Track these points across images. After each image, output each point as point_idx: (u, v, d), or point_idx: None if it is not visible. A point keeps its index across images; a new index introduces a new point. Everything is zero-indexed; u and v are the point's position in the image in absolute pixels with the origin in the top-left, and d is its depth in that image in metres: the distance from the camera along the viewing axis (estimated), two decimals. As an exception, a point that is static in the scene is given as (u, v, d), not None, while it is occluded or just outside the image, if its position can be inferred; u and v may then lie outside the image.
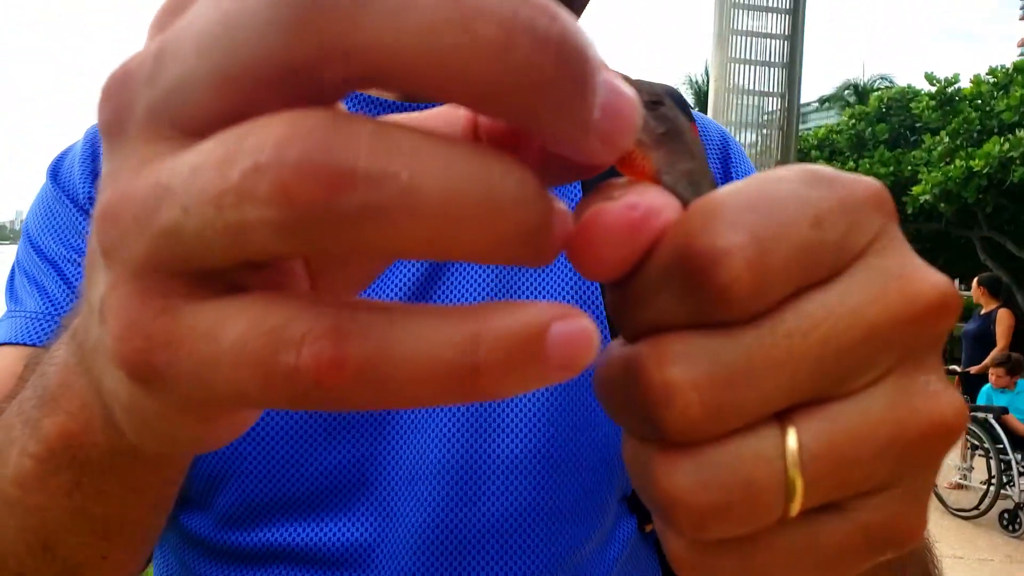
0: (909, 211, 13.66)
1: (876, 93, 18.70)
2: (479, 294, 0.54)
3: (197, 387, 0.16)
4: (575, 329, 0.15)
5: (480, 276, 0.54)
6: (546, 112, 0.15)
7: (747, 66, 7.14)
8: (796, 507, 0.18)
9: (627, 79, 0.20)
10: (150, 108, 0.16)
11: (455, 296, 0.53)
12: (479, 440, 0.51)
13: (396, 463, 0.51)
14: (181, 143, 0.15)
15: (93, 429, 0.26)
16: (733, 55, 7.13)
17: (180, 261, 0.15)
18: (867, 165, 14.92)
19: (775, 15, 7.00)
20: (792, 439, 0.18)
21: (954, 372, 6.45)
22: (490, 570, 0.51)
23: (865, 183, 0.19)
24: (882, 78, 34.67)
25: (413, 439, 0.52)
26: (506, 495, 0.52)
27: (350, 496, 0.51)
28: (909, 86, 17.82)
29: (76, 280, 0.53)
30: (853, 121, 17.46)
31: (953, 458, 5.62)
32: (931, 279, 0.19)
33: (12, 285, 0.56)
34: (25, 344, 0.50)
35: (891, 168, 14.64)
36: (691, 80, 41.88)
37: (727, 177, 0.63)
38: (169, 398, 0.17)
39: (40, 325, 0.51)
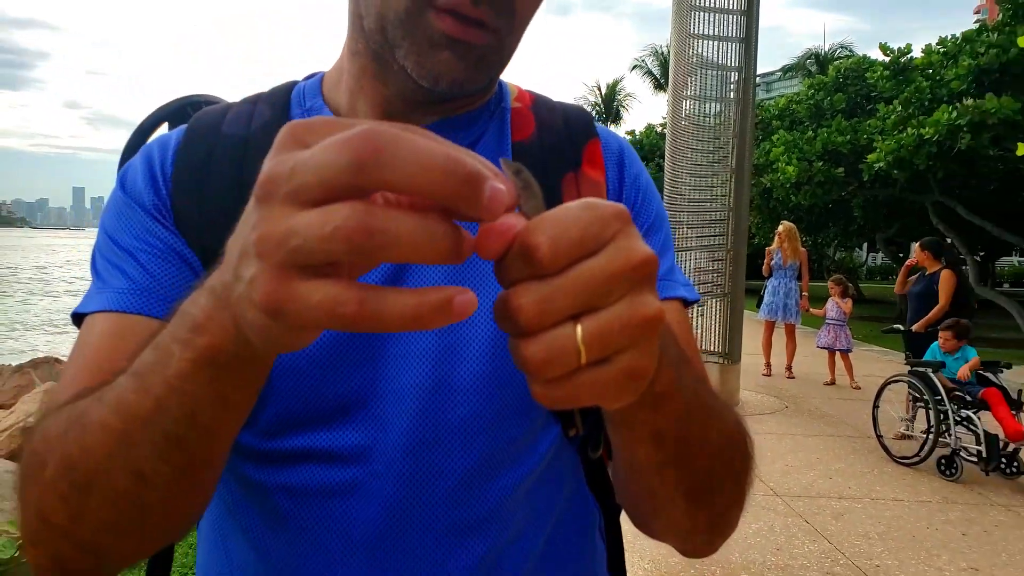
0: (865, 178, 13.89)
1: (834, 63, 18.88)
2: (436, 280, 0.70)
3: (297, 319, 0.34)
4: (466, 298, 0.34)
5: (434, 278, 0.71)
6: (464, 207, 0.34)
7: (706, 41, 7.34)
8: (584, 360, 0.36)
9: (505, 162, 0.41)
10: (286, 192, 0.33)
11: (417, 282, 0.70)
12: (445, 365, 0.68)
13: (385, 385, 0.68)
14: (300, 209, 0.33)
15: (227, 343, 0.42)
16: (692, 30, 7.31)
17: (297, 262, 0.33)
18: (825, 134, 15.11)
19: (732, -10, 7.19)
20: (579, 329, 0.36)
21: (898, 330, 6.79)
22: (449, 461, 0.69)
23: (613, 206, 0.38)
24: (842, 47, 34.98)
25: (396, 367, 0.68)
26: (465, 405, 0.69)
27: (354, 410, 0.68)
28: (865, 56, 17.94)
29: (148, 264, 0.67)
30: (812, 91, 17.60)
31: (898, 410, 5.99)
32: (642, 249, 0.37)
33: (96, 268, 0.70)
34: (117, 311, 0.65)
35: (848, 136, 14.87)
36: (656, 51, 41.93)
37: (621, 173, 0.80)
38: (284, 324, 0.35)
39: (126, 297, 0.65)
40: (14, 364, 6.65)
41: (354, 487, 0.68)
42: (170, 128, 0.82)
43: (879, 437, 5.84)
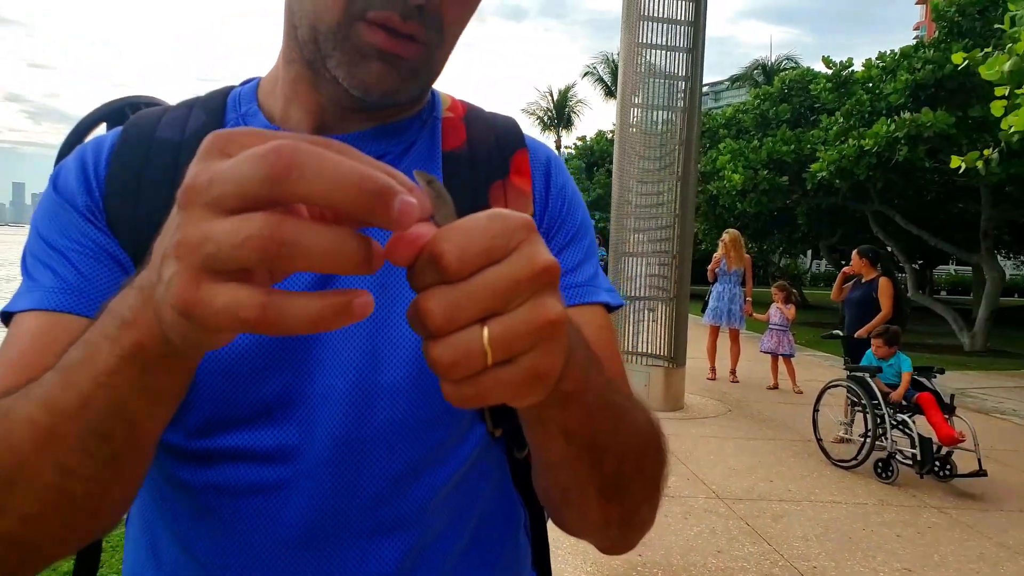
0: (809, 187, 14.25)
1: (780, 75, 19.30)
2: (363, 288, 0.73)
3: (205, 322, 0.35)
4: (363, 300, 0.36)
5: (361, 286, 0.73)
6: (375, 220, 0.35)
7: (654, 50, 7.42)
8: (490, 360, 0.39)
9: (418, 173, 0.42)
10: (205, 201, 0.35)
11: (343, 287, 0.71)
12: (370, 371, 0.70)
13: (312, 389, 0.69)
14: (216, 217, 0.35)
15: (153, 340, 0.43)
16: (641, 39, 7.40)
17: (211, 266, 0.35)
18: (770, 143, 15.46)
19: (681, 1, 7.28)
20: (485, 332, 0.38)
21: (837, 335, 6.95)
22: (378, 463, 0.70)
23: (519, 217, 0.40)
24: (788, 58, 35.82)
25: (324, 371, 0.69)
26: (390, 409, 0.70)
27: (281, 413, 0.69)
28: (809, 68, 18.40)
29: (79, 264, 0.68)
30: (758, 101, 17.98)
31: (837, 414, 6.13)
32: (545, 257, 0.40)
33: (26, 267, 0.70)
34: (45, 310, 0.65)
35: (792, 146, 15.24)
36: (607, 59, 42.39)
37: (548, 183, 0.82)
38: (195, 324, 0.36)
39: (55, 296, 0.66)
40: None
41: (281, 486, 0.69)
42: (108, 128, 0.83)
43: (819, 440, 5.95)
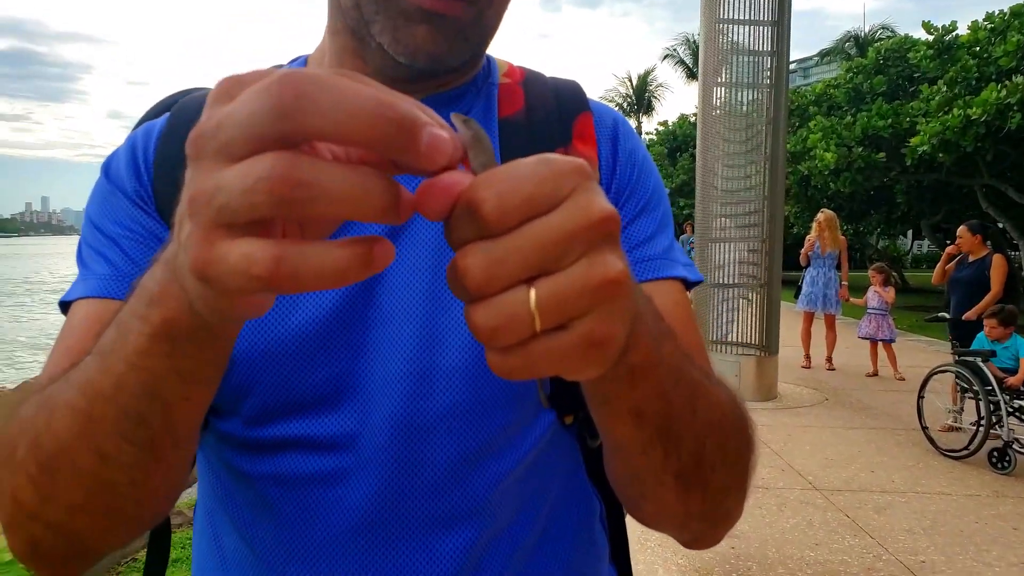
0: (909, 163, 13.53)
1: (875, 45, 18.41)
2: (416, 278, 0.68)
3: (221, 280, 0.32)
4: (383, 247, 0.33)
5: (417, 264, 0.69)
6: (399, 154, 0.31)
7: (737, 26, 7.17)
8: (538, 327, 0.34)
9: (454, 116, 0.38)
10: (214, 149, 0.32)
11: (397, 278, 0.68)
12: (430, 352, 0.67)
13: (370, 373, 0.66)
14: (227, 165, 0.31)
15: (182, 314, 0.41)
16: (722, 15, 7.15)
17: (224, 220, 0.31)
18: (865, 119, 14.73)
19: (762, -27, 7.01)
20: (532, 293, 0.33)
21: (943, 319, 6.56)
22: (439, 449, 0.67)
23: (571, 161, 0.35)
24: (883, 28, 34.15)
25: (381, 355, 0.67)
26: (449, 393, 0.67)
27: (338, 398, 0.66)
28: (907, 36, 17.52)
29: (130, 250, 0.67)
30: (851, 75, 17.19)
31: (945, 401, 5.79)
32: (602, 205, 0.34)
33: (81, 257, 0.70)
34: (98, 297, 0.65)
35: (889, 120, 14.49)
36: (688, 40, 41.46)
37: (615, 148, 0.76)
38: (215, 288, 0.33)
39: (107, 283, 0.66)
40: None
41: (340, 475, 0.67)
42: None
43: (924, 429, 5.65)
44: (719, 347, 7.16)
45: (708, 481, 0.58)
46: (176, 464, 0.54)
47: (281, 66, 0.78)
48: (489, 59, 0.80)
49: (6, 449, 0.53)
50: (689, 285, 0.76)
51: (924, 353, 9.83)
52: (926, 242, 26.50)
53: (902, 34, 19.71)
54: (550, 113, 0.76)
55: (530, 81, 0.79)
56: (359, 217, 0.31)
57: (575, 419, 0.75)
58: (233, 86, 0.33)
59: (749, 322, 7.14)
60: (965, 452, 5.28)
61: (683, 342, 0.54)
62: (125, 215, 0.69)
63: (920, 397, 5.74)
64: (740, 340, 7.13)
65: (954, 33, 13.84)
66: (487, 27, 0.68)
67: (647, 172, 0.78)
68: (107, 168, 0.73)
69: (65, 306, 0.68)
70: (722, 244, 7.22)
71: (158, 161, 0.70)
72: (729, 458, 0.59)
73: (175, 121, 0.73)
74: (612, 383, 0.47)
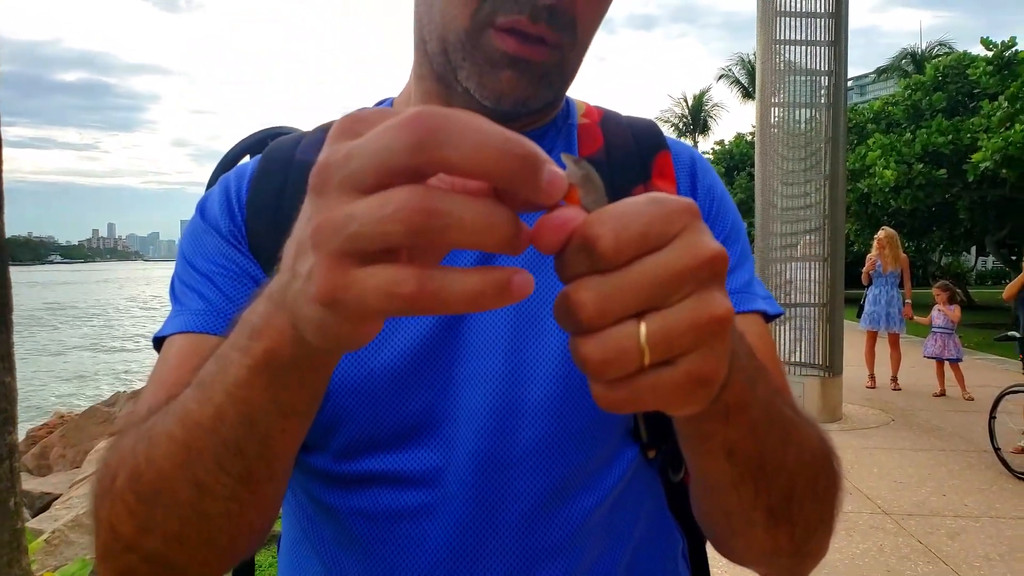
0: (971, 178, 13.19)
1: (932, 62, 18.04)
2: (501, 312, 0.70)
3: (355, 307, 0.33)
4: (523, 278, 0.33)
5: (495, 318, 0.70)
6: (522, 187, 0.33)
7: (793, 46, 7.15)
8: (647, 361, 0.35)
9: (565, 155, 0.39)
10: (341, 179, 0.33)
11: (483, 312, 0.71)
12: (515, 386, 0.68)
13: (455, 407, 0.67)
14: (356, 196, 0.32)
15: (284, 346, 0.42)
16: (778, 36, 7.15)
17: (355, 249, 0.32)
18: (924, 135, 14.47)
19: (819, -7, 6.99)
20: (643, 328, 0.34)
21: (1013, 337, 6.39)
22: (521, 484, 0.67)
23: (681, 201, 0.36)
24: (940, 44, 33.41)
25: (467, 388, 0.67)
26: (534, 428, 0.68)
27: (424, 433, 0.67)
28: (965, 52, 17.10)
29: (224, 286, 0.69)
30: (909, 92, 16.88)
31: (1018, 422, 5.61)
32: (711, 245, 0.36)
33: (174, 292, 0.72)
34: (193, 331, 0.67)
35: (949, 136, 14.21)
36: (743, 60, 41.16)
37: (694, 184, 0.79)
38: (341, 314, 0.34)
39: (202, 318, 0.67)
40: (128, 391, 7.03)
41: (425, 510, 0.67)
42: (251, 159, 0.84)
43: (997, 451, 5.50)
44: (783, 367, 7.07)
45: (797, 518, 0.58)
46: (270, 498, 0.54)
47: (366, 108, 0.81)
48: (568, 100, 0.82)
49: (106, 479, 0.54)
50: (769, 318, 0.76)
51: (993, 372, 9.54)
52: (991, 258, 25.68)
53: (960, 50, 19.25)
54: (629, 152, 0.78)
55: (608, 121, 0.81)
56: (484, 247, 0.32)
57: (658, 453, 0.75)
58: (356, 123, 0.35)
59: (812, 341, 7.06)
60: (1041, 475, 5.12)
61: (773, 379, 0.54)
62: (219, 253, 0.71)
63: (992, 417, 5.58)
64: (803, 360, 7.04)
65: (1013, 49, 13.48)
66: (568, 71, 0.70)
67: (726, 207, 0.80)
68: (202, 208, 0.75)
69: (158, 342, 0.70)
70: (783, 263, 7.17)
71: (251, 201, 0.73)
72: (818, 495, 0.60)
73: (267, 163, 0.75)
74: (707, 421, 0.48)
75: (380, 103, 0.83)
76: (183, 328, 0.67)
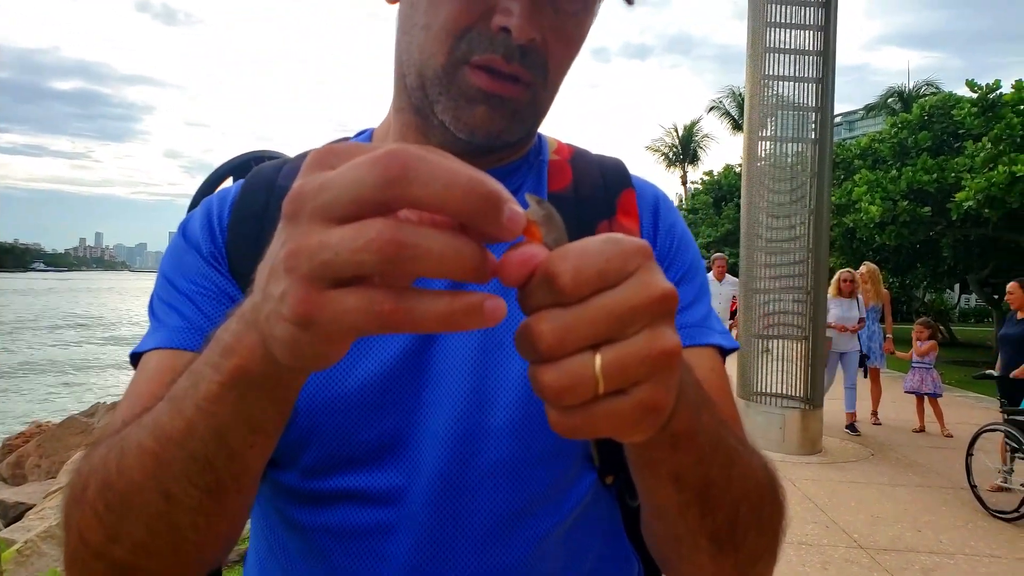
0: (954, 217, 13.37)
1: (919, 101, 18.33)
2: (468, 338, 0.72)
3: (330, 326, 0.35)
4: (495, 304, 0.36)
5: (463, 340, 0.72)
6: (484, 224, 0.35)
7: (782, 82, 7.26)
8: (601, 389, 0.37)
9: (529, 195, 0.43)
10: (314, 208, 0.35)
11: (451, 337, 0.72)
12: (478, 409, 0.70)
13: (421, 429, 0.69)
14: (329, 226, 0.34)
15: (254, 363, 0.44)
16: (767, 72, 7.26)
17: (328, 274, 0.34)
18: (910, 173, 14.65)
19: (808, 32, 7.12)
20: (598, 359, 0.37)
21: (990, 376, 6.43)
22: (482, 504, 0.69)
23: (636, 241, 0.39)
24: (927, 84, 33.96)
25: (433, 410, 0.70)
26: (497, 449, 0.70)
27: (391, 453, 0.69)
28: (951, 93, 17.38)
29: (203, 305, 0.71)
30: (895, 129, 17.11)
31: (994, 460, 5.66)
32: (662, 285, 0.39)
33: (153, 310, 0.74)
34: (171, 348, 0.68)
35: (934, 175, 14.40)
36: (734, 93, 41.65)
37: (656, 222, 0.82)
38: (315, 333, 0.36)
39: (180, 335, 0.69)
40: (109, 402, 6.98)
41: (388, 528, 0.69)
42: (234, 181, 0.86)
43: (973, 488, 5.53)
44: (762, 399, 7.11)
45: (741, 545, 0.60)
46: (237, 509, 0.55)
47: (348, 138, 0.83)
48: (540, 137, 0.85)
49: (78, 487, 0.55)
50: (724, 352, 0.78)
51: (973, 410, 9.61)
52: (974, 296, 25.92)
53: (946, 91, 19.56)
54: (596, 188, 0.81)
55: (577, 158, 0.85)
56: (451, 276, 0.35)
57: (615, 479, 0.77)
58: (330, 156, 0.37)
59: (793, 373, 7.10)
60: (1016, 514, 5.13)
61: (720, 410, 0.56)
62: (198, 273, 0.73)
63: (969, 454, 5.64)
64: (784, 392, 7.09)
65: (998, 91, 13.74)
66: (540, 109, 0.74)
67: (686, 245, 0.83)
68: (184, 228, 0.77)
69: (135, 358, 0.71)
70: (766, 294, 7.23)
71: (232, 224, 0.75)
72: (763, 524, 0.62)
73: (249, 187, 0.78)
74: (655, 448, 0.51)
75: (360, 134, 0.86)
76: (161, 344, 0.69)
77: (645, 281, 0.38)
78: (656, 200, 0.85)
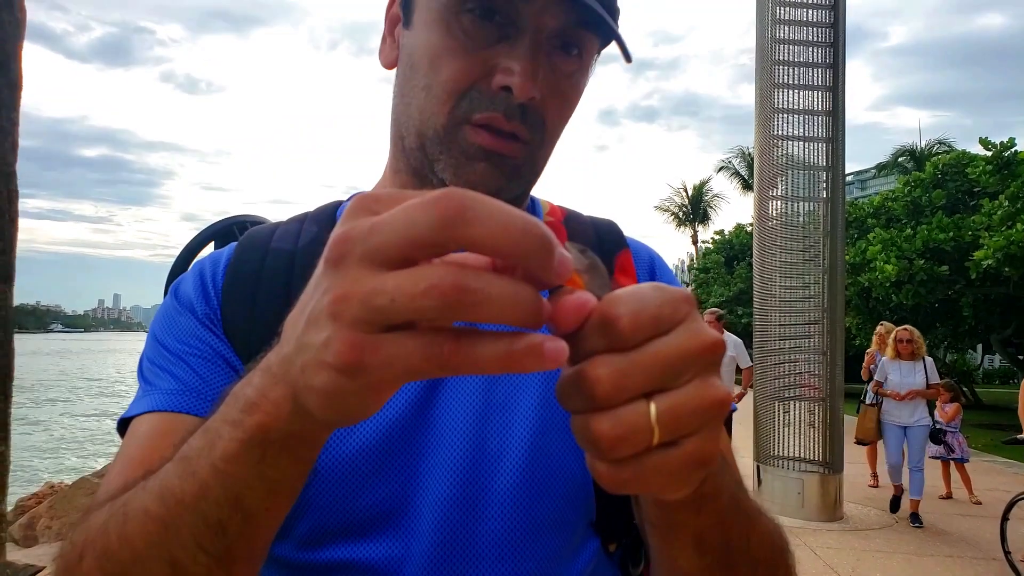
0: (973, 276, 13.26)
1: (932, 159, 18.38)
2: (467, 403, 0.71)
3: (383, 371, 0.34)
4: (556, 346, 0.34)
5: (468, 390, 0.72)
6: (538, 268, 0.34)
7: (791, 142, 7.26)
8: (656, 440, 0.36)
9: (571, 244, 0.40)
10: (363, 252, 0.34)
11: (451, 402, 0.71)
12: (478, 476, 0.68)
13: (418, 496, 0.67)
14: (378, 269, 0.33)
15: (280, 419, 0.41)
16: (776, 132, 7.27)
17: (379, 321, 0.33)
18: (925, 232, 14.60)
19: (816, 92, 7.15)
20: (652, 408, 0.36)
21: (1021, 441, 6.19)
22: (486, 575, 0.67)
23: (681, 290, 0.39)
24: (940, 142, 34.17)
25: (431, 478, 0.68)
26: (498, 518, 0.68)
27: (388, 522, 0.67)
28: (964, 152, 17.47)
29: (197, 367, 0.69)
30: (908, 188, 17.15)
31: (1026, 530, 5.42)
32: (711, 333, 0.38)
33: (143, 373, 0.72)
34: (164, 411, 0.66)
35: (951, 233, 14.34)
36: (743, 152, 42.12)
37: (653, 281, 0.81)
38: (363, 380, 0.34)
39: (174, 398, 0.67)
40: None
41: None
42: (217, 246, 0.87)
43: (1007, 555, 5.28)
44: (779, 462, 6.90)
45: None
46: None
47: (342, 202, 0.83)
48: (533, 199, 0.86)
49: (72, 558, 0.52)
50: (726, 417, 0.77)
51: (1002, 476, 9.30)
52: (998, 356, 25.51)
53: (959, 149, 19.61)
54: (592, 249, 0.79)
55: (571, 220, 0.86)
56: (509, 322, 0.34)
57: (618, 546, 0.75)
58: (373, 203, 0.36)
59: (811, 436, 6.89)
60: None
61: (735, 471, 0.56)
62: (191, 335, 0.72)
63: (1005, 520, 5.39)
64: (802, 456, 6.87)
65: (1013, 149, 13.76)
66: (537, 167, 0.75)
67: None
68: (175, 290, 0.76)
69: (124, 423, 0.69)
70: (781, 355, 7.08)
71: (227, 287, 0.74)
72: None
73: (243, 249, 0.77)
74: (680, 510, 0.50)
75: (353, 196, 0.84)
76: (154, 407, 0.67)
77: (695, 329, 0.38)
78: (651, 260, 0.87)
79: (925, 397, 7.00)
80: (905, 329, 7.32)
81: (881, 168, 36.69)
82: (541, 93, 0.69)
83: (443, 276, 0.32)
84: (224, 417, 0.45)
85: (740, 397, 7.87)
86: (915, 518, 6.74)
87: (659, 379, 0.36)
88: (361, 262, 0.34)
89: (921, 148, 33.45)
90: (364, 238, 0.34)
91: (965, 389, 10.06)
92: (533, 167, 0.74)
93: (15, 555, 6.01)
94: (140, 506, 0.48)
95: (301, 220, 0.81)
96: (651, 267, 0.86)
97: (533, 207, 0.85)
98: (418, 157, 0.72)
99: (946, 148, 30.36)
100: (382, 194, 0.37)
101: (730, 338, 7.44)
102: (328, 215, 0.81)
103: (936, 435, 7.18)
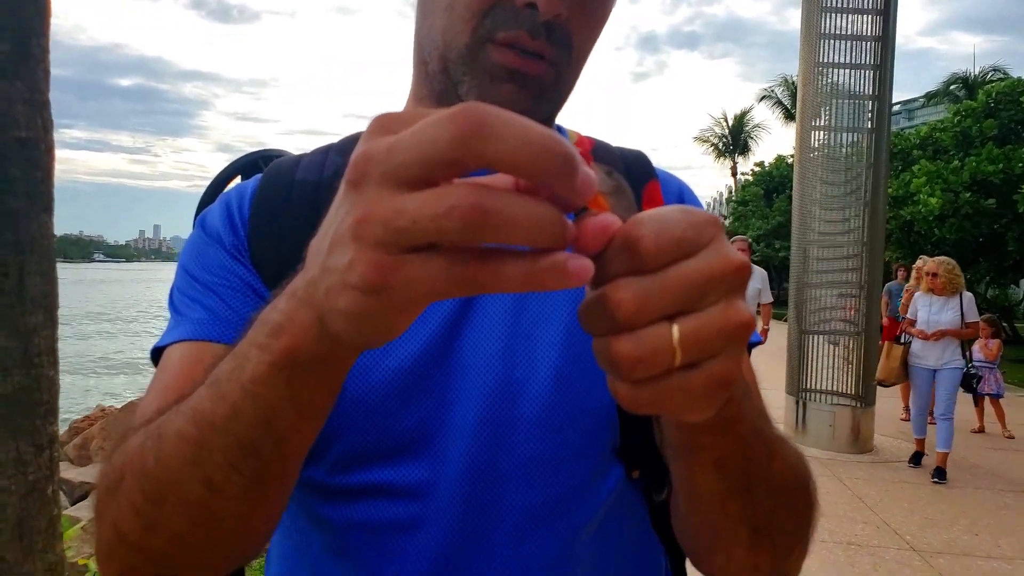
0: (1021, 209, 12.91)
1: (985, 87, 17.65)
2: (494, 332, 0.72)
3: (408, 290, 0.33)
4: (580, 264, 0.34)
5: (495, 319, 0.72)
6: (558, 185, 0.33)
7: (837, 69, 7.05)
8: (677, 361, 0.36)
9: (597, 165, 0.40)
10: (383, 173, 0.33)
11: (477, 331, 0.71)
12: (507, 402, 0.69)
13: (449, 421, 0.68)
14: (401, 191, 0.33)
15: (307, 342, 0.42)
16: (821, 59, 7.05)
17: (402, 242, 0.33)
18: (974, 163, 14.12)
19: (865, 16, 6.89)
20: (675, 329, 0.36)
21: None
22: (512, 499, 0.68)
23: (707, 214, 0.38)
24: (995, 69, 32.67)
25: (462, 403, 0.68)
26: (526, 443, 0.69)
27: (419, 446, 0.68)
28: (1020, 79, 16.71)
29: (227, 297, 0.70)
30: (959, 118, 16.50)
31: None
32: (737, 255, 0.37)
33: (174, 304, 0.72)
34: (196, 340, 0.67)
35: (1000, 165, 13.85)
36: (787, 81, 40.79)
37: None
38: (388, 300, 0.34)
39: (205, 327, 0.68)
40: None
41: (416, 522, 0.68)
42: (243, 179, 0.85)
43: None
44: (813, 396, 6.94)
45: (778, 537, 0.60)
46: (278, 499, 0.54)
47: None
48: (560, 128, 0.84)
49: (113, 478, 0.54)
50: (750, 346, 0.78)
51: (1036, 411, 9.24)
52: (1040, 293, 24.93)
53: (1015, 76, 18.77)
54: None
55: (599, 150, 0.84)
56: (532, 243, 0.33)
57: (641, 473, 0.76)
58: (392, 122, 0.36)
59: (845, 370, 6.91)
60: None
61: (758, 398, 0.56)
62: (220, 266, 0.72)
63: (1031, 458, 5.40)
64: (835, 389, 6.90)
65: (1072, 74, 13.14)
66: (564, 88, 0.74)
67: None
68: (203, 222, 0.77)
69: (157, 353, 0.70)
70: (818, 289, 7.04)
71: (253, 217, 0.74)
72: (799, 514, 0.62)
73: (268, 181, 0.77)
74: (703, 432, 0.50)
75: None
76: (185, 336, 0.68)
77: (720, 252, 0.37)
78: (681, 191, 0.86)
79: (957, 337, 6.26)
80: (933, 261, 6.54)
81: (931, 97, 35.31)
82: (568, 10, 0.67)
83: (463, 197, 0.31)
84: (252, 341, 0.46)
85: (764, 333, 7.84)
86: (939, 473, 5.98)
87: (682, 301, 0.36)
88: (381, 183, 0.33)
89: (975, 75, 32.08)
90: (383, 159, 0.33)
91: (1005, 324, 9.90)
92: (560, 89, 0.72)
93: (70, 473, 6.34)
94: (174, 428, 0.50)
95: (325, 151, 0.80)
96: (680, 199, 0.85)
97: (560, 135, 0.83)
98: (441, 80, 0.71)
99: (1001, 75, 29.09)
100: (402, 113, 0.36)
101: (757, 270, 7.17)
102: (352, 146, 0.78)
103: (969, 381, 6.44)
